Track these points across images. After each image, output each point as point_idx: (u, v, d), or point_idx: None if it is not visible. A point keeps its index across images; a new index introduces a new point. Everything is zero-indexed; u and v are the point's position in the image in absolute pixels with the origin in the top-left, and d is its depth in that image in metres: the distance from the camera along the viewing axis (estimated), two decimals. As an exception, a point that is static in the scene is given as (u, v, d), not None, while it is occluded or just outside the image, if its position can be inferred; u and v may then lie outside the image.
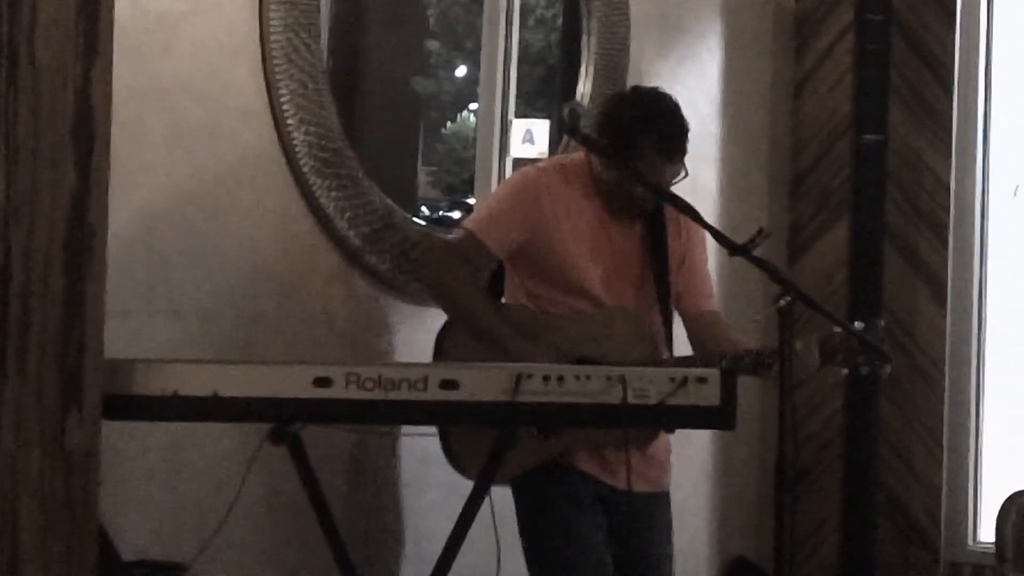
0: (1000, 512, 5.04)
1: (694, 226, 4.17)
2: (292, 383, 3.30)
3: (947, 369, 6.16)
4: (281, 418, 3.34)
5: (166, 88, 3.78)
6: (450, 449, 4.11)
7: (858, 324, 4.11)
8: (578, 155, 4.23)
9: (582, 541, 4.12)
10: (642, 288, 4.24)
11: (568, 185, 4.19)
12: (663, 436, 4.28)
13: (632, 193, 4.12)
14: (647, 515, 4.27)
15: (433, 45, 5.68)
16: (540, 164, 4.36)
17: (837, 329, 4.02)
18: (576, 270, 4.15)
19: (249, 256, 4.01)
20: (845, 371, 4.08)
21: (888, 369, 4.06)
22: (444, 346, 4.19)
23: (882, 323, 4.14)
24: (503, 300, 4.29)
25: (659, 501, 4.32)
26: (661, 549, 4.31)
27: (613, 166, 4.09)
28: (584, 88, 5.16)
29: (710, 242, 4.15)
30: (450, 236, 4.30)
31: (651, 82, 5.37)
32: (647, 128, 4.09)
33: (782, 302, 3.78)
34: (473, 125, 5.44)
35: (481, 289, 4.21)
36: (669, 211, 4.19)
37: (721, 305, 4.47)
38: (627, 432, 3.73)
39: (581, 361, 4.03)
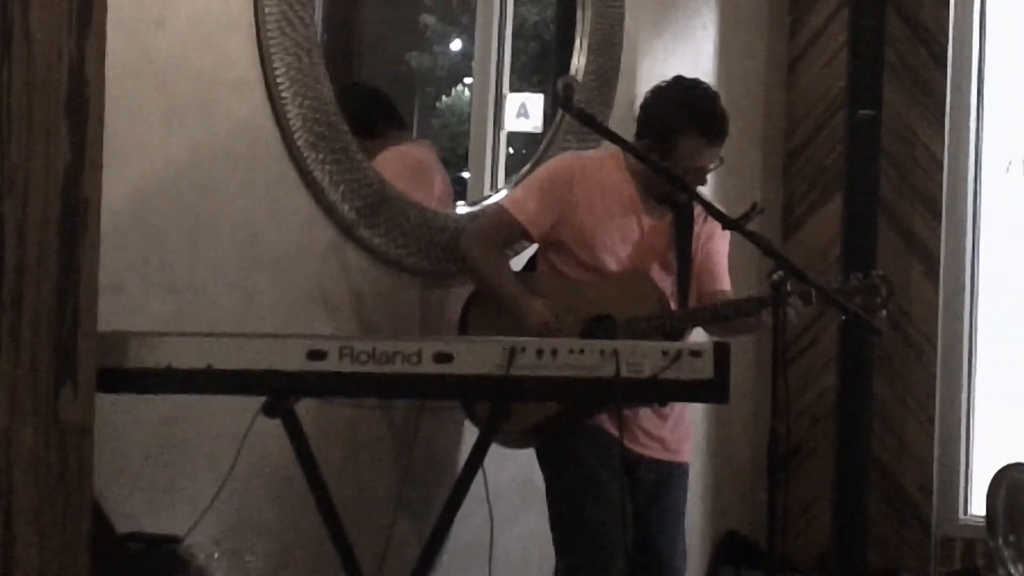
0: (990, 485, 5.06)
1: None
2: (286, 356, 3.31)
3: (939, 344, 6.19)
4: (275, 391, 3.34)
5: (160, 62, 3.77)
6: (470, 405, 4.22)
7: (853, 276, 4.19)
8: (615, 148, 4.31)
9: (609, 496, 4.22)
10: (665, 274, 4.37)
11: (603, 169, 4.37)
12: (683, 407, 4.37)
13: (663, 183, 4.22)
14: (666, 484, 4.35)
15: (428, 19, 5.66)
16: (583, 153, 4.61)
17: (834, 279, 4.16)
18: (604, 251, 4.31)
19: (243, 229, 4.01)
20: (843, 317, 4.11)
21: (883, 312, 4.14)
22: (468, 324, 4.38)
23: (879, 272, 4.20)
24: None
25: (678, 471, 4.43)
26: (676, 518, 4.44)
27: (635, 158, 4.19)
28: (579, 63, 5.16)
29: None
30: (486, 211, 4.58)
31: (645, 58, 5.40)
32: (687, 115, 4.25)
33: (775, 276, 3.80)
34: (468, 99, 5.43)
35: (506, 260, 4.42)
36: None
37: (726, 270, 4.53)
38: (620, 409, 3.75)
39: (596, 319, 4.20)
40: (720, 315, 4.26)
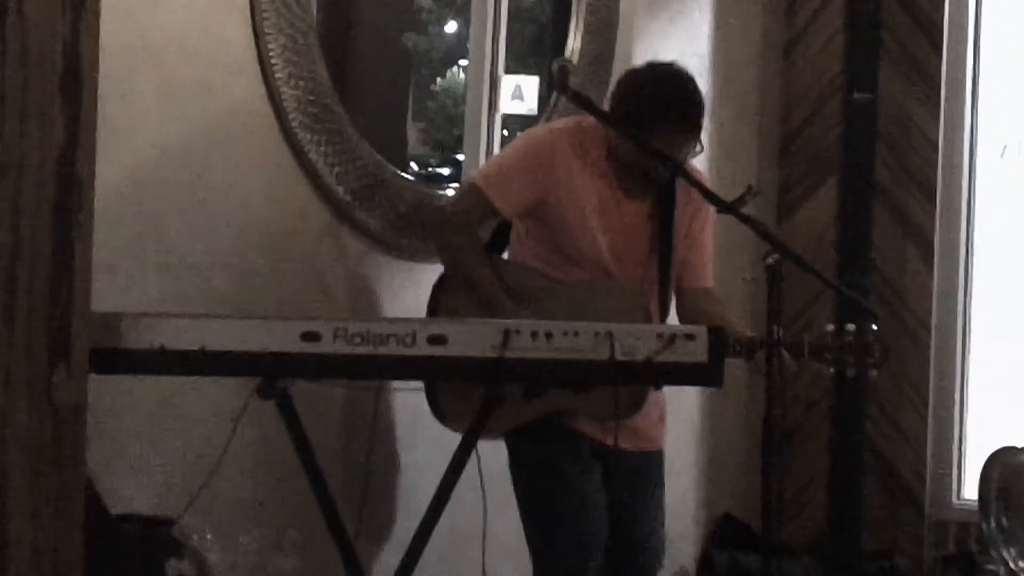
0: (984, 469, 5.06)
1: (705, 203, 4.16)
2: (280, 337, 3.31)
3: (934, 328, 6.18)
4: (269, 373, 3.35)
5: (156, 43, 3.77)
6: (436, 402, 4.09)
7: (850, 327, 4.08)
8: (595, 121, 4.17)
9: (583, 498, 4.13)
10: (647, 262, 4.22)
11: (582, 151, 4.16)
12: (657, 394, 4.29)
13: (646, 167, 4.11)
14: (640, 473, 4.29)
15: (424, 1, 5.66)
16: (557, 125, 4.33)
17: (829, 328, 4.04)
18: (584, 239, 4.13)
19: (238, 211, 4.00)
20: (832, 370, 4.08)
21: (874, 372, 4.08)
22: (439, 307, 4.17)
23: (875, 329, 4.10)
24: (506, 255, 4.30)
25: (652, 459, 4.34)
26: (652, 507, 4.34)
27: (625, 138, 4.08)
28: (574, 45, 5.15)
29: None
30: (457, 191, 4.35)
31: (641, 40, 5.39)
32: (662, 108, 4.07)
33: (771, 260, 3.79)
34: (463, 81, 5.43)
35: (481, 249, 4.18)
36: (681, 186, 4.18)
37: (710, 264, 4.43)
38: (616, 390, 3.69)
39: None
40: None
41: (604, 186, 4.17)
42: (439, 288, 4.19)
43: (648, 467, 4.32)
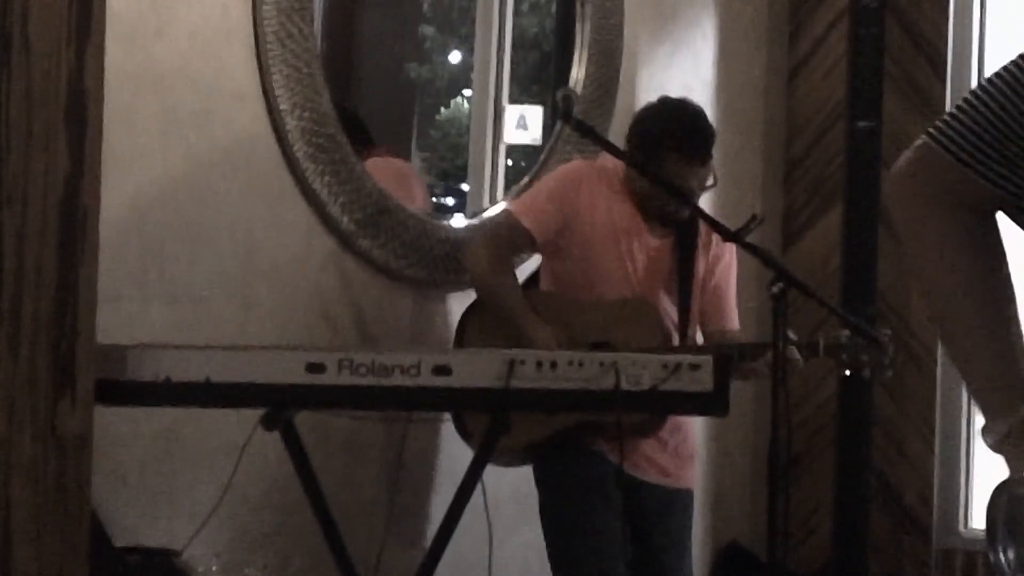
0: (990, 498, 5.04)
1: (727, 244, 4.23)
2: (285, 369, 3.30)
3: (940, 355, 6.17)
4: (274, 404, 3.33)
5: (159, 72, 3.77)
6: (463, 423, 4.20)
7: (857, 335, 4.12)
8: (616, 161, 4.30)
9: (605, 520, 4.16)
10: (667, 294, 4.31)
11: (607, 184, 4.30)
12: (689, 430, 4.34)
13: (659, 200, 4.17)
14: (666, 511, 4.31)
15: (427, 30, 5.65)
16: (586, 159, 4.54)
17: (844, 332, 4.07)
18: (612, 258, 4.25)
19: (242, 241, 4.00)
20: (848, 372, 4.10)
21: (889, 372, 4.11)
22: (466, 333, 4.30)
23: (888, 332, 4.17)
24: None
25: (679, 498, 4.37)
26: (678, 548, 4.36)
27: (636, 172, 4.20)
28: (578, 74, 5.15)
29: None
30: (492, 217, 4.55)
31: (645, 68, 5.39)
32: (666, 135, 4.19)
33: (775, 288, 3.79)
34: (467, 111, 5.42)
35: (513, 273, 4.35)
36: (703, 225, 4.24)
37: (735, 307, 4.50)
38: (620, 418, 3.72)
39: (595, 347, 4.11)
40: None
41: (628, 216, 4.28)
42: (467, 315, 4.33)
43: (676, 504, 4.35)
